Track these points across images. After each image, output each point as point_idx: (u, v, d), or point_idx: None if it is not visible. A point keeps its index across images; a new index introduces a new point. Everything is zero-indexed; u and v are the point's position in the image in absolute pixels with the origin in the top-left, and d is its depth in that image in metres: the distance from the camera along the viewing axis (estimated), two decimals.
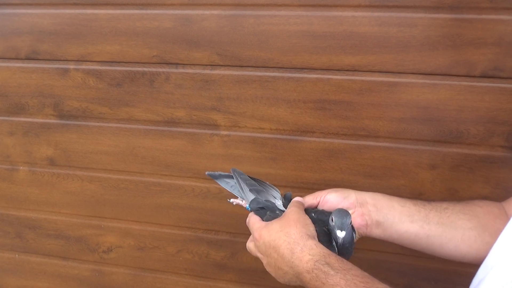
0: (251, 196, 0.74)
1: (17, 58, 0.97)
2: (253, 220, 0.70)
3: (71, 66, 0.95)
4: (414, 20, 0.79)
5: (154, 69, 0.92)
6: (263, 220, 0.69)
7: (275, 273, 0.64)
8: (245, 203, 0.76)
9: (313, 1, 0.81)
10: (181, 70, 0.91)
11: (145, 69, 0.92)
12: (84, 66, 0.94)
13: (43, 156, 1.05)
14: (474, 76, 0.80)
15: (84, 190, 1.06)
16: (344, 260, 0.58)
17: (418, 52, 0.81)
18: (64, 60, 0.94)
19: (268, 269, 0.66)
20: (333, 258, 0.58)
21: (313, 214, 0.69)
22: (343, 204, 0.70)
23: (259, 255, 0.68)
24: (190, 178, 0.98)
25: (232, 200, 0.79)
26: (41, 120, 1.02)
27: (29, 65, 0.97)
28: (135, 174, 1.02)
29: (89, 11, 0.89)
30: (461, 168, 0.86)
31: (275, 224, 0.65)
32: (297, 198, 0.73)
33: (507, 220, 0.63)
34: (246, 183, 0.76)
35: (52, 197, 1.09)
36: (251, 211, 0.73)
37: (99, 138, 1.00)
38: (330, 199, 0.71)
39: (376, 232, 0.70)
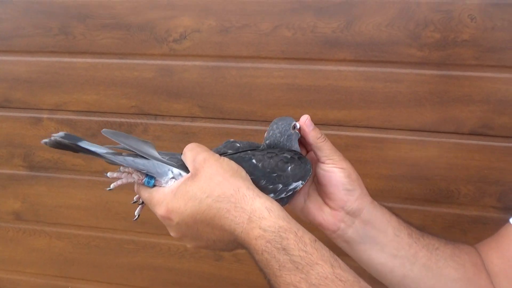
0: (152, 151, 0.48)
1: None
2: (148, 192, 0.49)
3: (45, 115, 0.90)
4: (400, 75, 0.77)
5: (132, 120, 0.88)
6: None
7: (212, 246, 0.48)
8: (140, 177, 0.49)
9: (297, 54, 0.79)
10: (160, 121, 0.87)
11: (123, 119, 0.88)
12: (58, 116, 0.90)
13: (9, 210, 0.98)
14: (463, 134, 0.78)
15: (52, 247, 0.99)
16: (307, 240, 0.42)
17: (405, 108, 0.78)
18: (37, 109, 0.90)
19: (195, 244, 0.49)
20: (292, 238, 0.42)
21: (229, 151, 0.54)
22: (336, 196, 0.54)
23: (174, 235, 0.49)
24: (166, 235, 0.91)
25: (113, 178, 0.50)
26: (9, 171, 0.96)
27: (0, 113, 0.92)
28: (108, 230, 0.95)
29: (66, 59, 0.86)
30: (453, 229, 0.82)
31: (191, 189, 0.45)
32: (193, 144, 0.51)
33: (485, 273, 0.58)
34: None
35: (16, 255, 1.01)
36: (153, 186, 0.49)
37: (71, 191, 0.94)
38: (334, 174, 0.54)
39: (340, 244, 0.57)
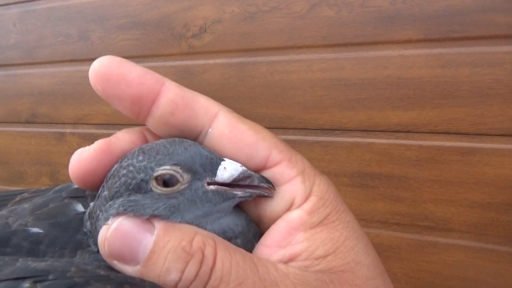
0: None
1: (18, 122, 0.88)
2: None
3: (68, 130, 0.83)
4: (497, 56, 0.53)
5: None
6: None
7: None
8: None
9: (344, 38, 0.59)
10: None
11: None
12: (80, 130, 0.82)
13: None
14: None
15: None
16: None
17: (507, 103, 0.53)
18: (61, 123, 0.83)
19: None
20: None
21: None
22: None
23: None
24: None
25: None
26: None
27: (29, 129, 0.87)
28: None
29: (85, 67, 0.78)
30: None
31: None
32: None
33: None
34: None
35: None
36: None
37: None
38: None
39: None
